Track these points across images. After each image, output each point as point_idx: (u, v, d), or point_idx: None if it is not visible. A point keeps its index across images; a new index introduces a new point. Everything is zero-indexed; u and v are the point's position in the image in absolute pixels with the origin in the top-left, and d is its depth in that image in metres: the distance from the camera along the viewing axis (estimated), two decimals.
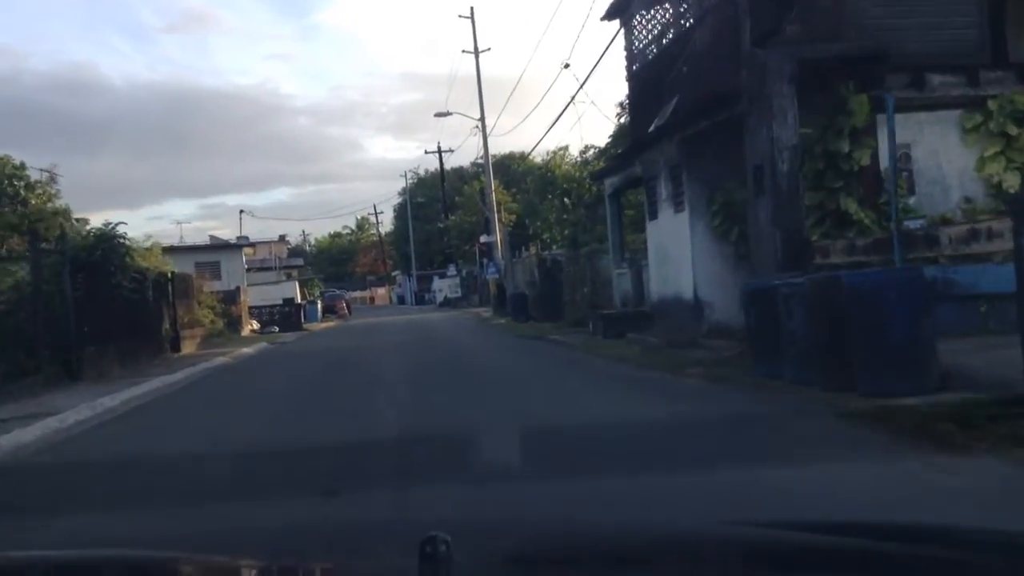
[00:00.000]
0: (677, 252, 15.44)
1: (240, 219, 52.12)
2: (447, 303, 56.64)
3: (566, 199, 29.56)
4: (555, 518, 4.35)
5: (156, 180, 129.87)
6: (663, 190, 15.96)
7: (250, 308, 37.37)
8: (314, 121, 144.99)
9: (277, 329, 34.83)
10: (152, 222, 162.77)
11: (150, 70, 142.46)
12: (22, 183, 37.91)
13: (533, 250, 30.37)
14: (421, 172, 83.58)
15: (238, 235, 46.08)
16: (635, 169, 19.78)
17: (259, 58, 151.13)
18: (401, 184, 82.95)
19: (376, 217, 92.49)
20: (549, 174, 29.31)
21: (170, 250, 35.97)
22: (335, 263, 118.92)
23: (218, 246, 37.21)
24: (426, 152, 57.68)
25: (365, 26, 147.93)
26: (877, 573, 1.42)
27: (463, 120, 68.88)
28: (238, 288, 32.93)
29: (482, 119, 35.55)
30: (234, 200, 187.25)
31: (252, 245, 37.83)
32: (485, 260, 38.73)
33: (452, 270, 54.76)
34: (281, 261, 52.84)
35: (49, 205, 35.37)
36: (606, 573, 1.50)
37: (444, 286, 62.86)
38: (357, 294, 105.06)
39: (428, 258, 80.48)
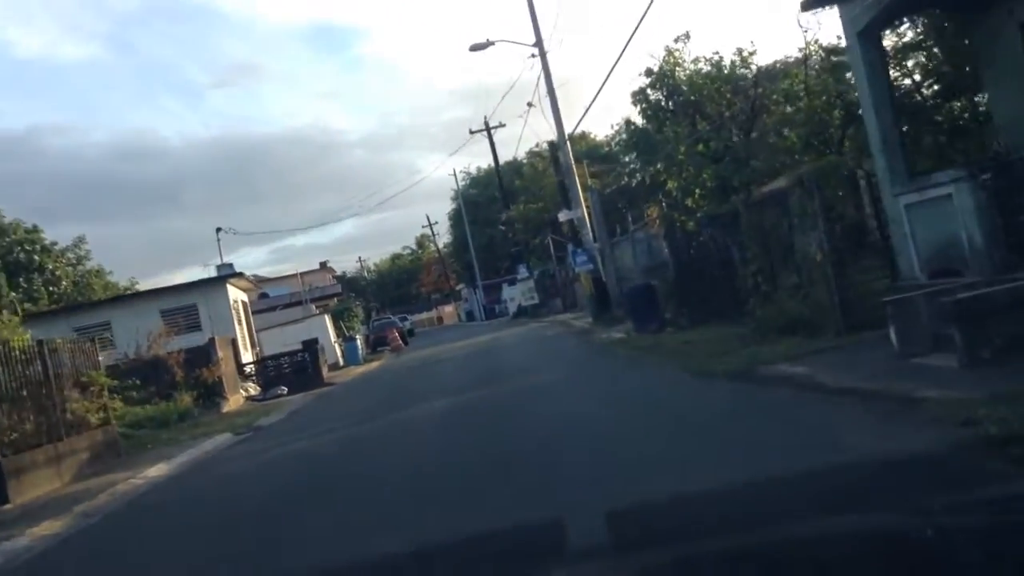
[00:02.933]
0: None
1: (218, 240, 37.96)
2: (523, 313, 44.25)
3: (696, 120, 16.88)
4: None
5: (224, 233, 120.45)
6: None
7: (256, 362, 25.48)
8: (368, 152, 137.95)
9: (285, 391, 22.84)
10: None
11: (205, 127, 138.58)
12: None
13: (654, 212, 17.94)
14: (472, 170, 71.50)
15: (219, 263, 33.23)
16: None
17: (307, 98, 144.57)
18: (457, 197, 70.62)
19: (431, 229, 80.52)
20: (666, 80, 16.48)
21: (115, 299, 24.46)
22: (398, 286, 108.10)
23: (192, 284, 25.41)
24: (471, 132, 44.32)
25: (405, 51, 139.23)
26: None
27: (517, 117, 56.84)
28: (211, 341, 20.94)
29: (539, 42, 23.11)
30: (301, 240, 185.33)
31: (240, 275, 25.71)
32: (570, 247, 26.22)
33: (523, 271, 42.36)
34: (312, 293, 41.10)
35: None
36: None
37: (516, 293, 50.48)
38: (423, 316, 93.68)
39: (493, 265, 68.32)
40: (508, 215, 42.52)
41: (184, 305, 24.19)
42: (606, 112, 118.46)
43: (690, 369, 10.67)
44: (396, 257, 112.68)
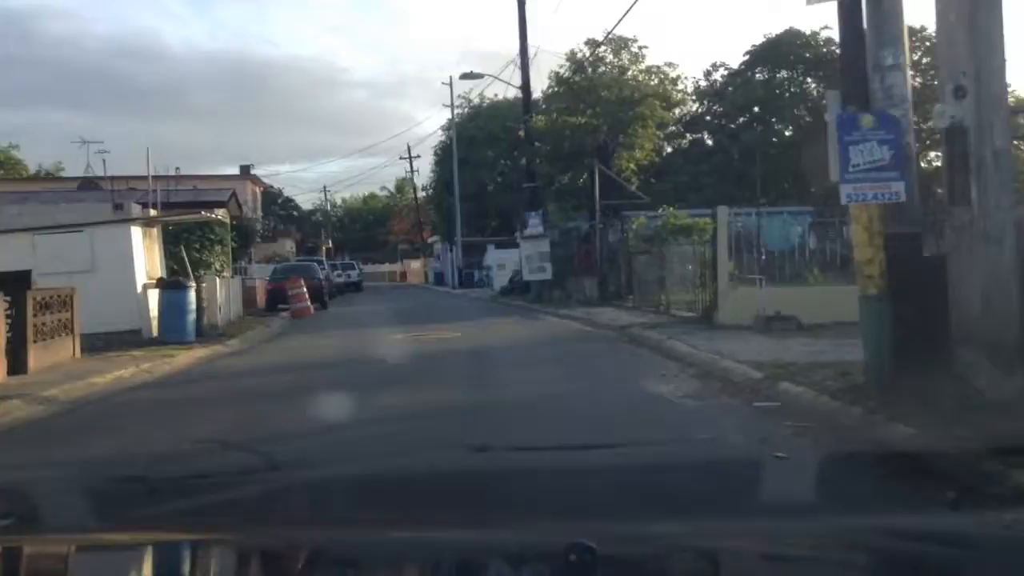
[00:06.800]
0: None
1: None
2: (521, 290, 26.35)
3: None
4: None
5: (211, 147, 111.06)
6: None
7: None
8: (369, 94, 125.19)
9: None
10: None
11: (210, 38, 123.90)
12: None
13: None
14: (475, 97, 52.23)
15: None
16: None
17: (317, 28, 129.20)
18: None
19: (411, 163, 61.83)
20: None
21: None
22: (365, 228, 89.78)
23: None
24: None
25: None
26: None
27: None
28: None
29: None
30: (285, 169, 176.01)
31: None
32: (834, 104, 8.10)
33: (534, 222, 24.26)
34: (179, 195, 22.44)
35: None
36: None
37: (510, 259, 32.58)
38: (386, 268, 75.60)
39: (478, 222, 50.15)
40: (530, 123, 24.12)
41: None
42: None
43: None
44: (371, 197, 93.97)
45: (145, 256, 15.58)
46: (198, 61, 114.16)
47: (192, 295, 15.18)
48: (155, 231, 16.44)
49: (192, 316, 15.13)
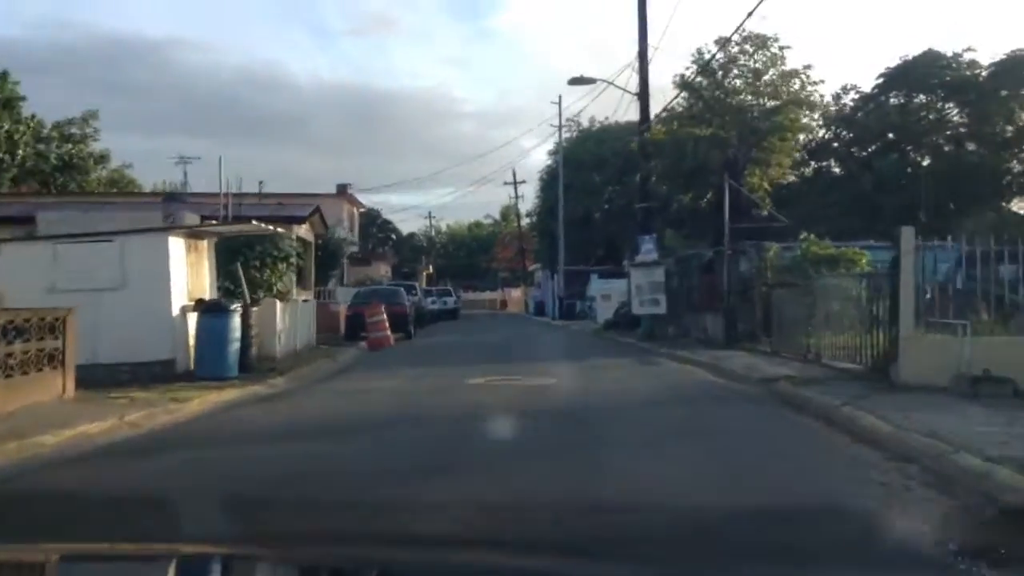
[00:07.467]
0: None
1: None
2: (628, 323, 22.93)
3: None
4: None
5: (328, 176, 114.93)
6: None
7: None
8: (481, 125, 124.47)
9: None
10: None
11: (332, 70, 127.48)
12: None
13: None
14: (584, 121, 49.13)
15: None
16: None
17: (434, 61, 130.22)
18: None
19: (515, 188, 59.16)
20: None
21: None
22: (470, 254, 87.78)
23: None
24: None
25: (536, 30, 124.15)
26: None
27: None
28: None
29: None
30: (398, 199, 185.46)
31: None
32: None
33: (647, 246, 20.87)
34: (250, 209, 20.32)
35: None
36: None
37: (615, 290, 29.21)
38: (487, 295, 73.23)
39: (582, 251, 46.80)
40: (646, 135, 20.75)
41: None
42: None
43: None
44: (476, 225, 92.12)
45: (188, 273, 13.01)
46: (319, 92, 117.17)
47: (236, 321, 12.47)
48: (204, 245, 13.89)
49: (235, 346, 12.42)
